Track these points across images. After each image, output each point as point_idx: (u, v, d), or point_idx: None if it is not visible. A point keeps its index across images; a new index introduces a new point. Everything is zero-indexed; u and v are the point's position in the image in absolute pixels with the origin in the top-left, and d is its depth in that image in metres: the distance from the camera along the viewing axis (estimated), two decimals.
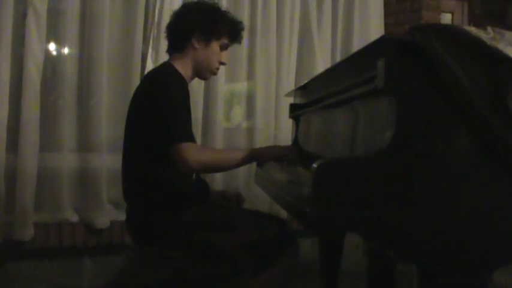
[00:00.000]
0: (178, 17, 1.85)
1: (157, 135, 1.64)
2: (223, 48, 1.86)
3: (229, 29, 1.85)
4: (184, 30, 1.81)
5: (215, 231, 1.65)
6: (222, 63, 1.89)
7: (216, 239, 1.63)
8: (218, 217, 1.72)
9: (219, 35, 1.83)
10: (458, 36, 1.19)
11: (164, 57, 1.93)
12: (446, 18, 3.51)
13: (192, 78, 1.89)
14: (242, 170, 2.66)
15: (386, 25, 3.27)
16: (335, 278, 2.22)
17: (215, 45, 1.83)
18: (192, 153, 1.61)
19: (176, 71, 1.80)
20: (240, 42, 1.94)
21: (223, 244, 1.61)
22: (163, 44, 1.90)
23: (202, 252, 1.65)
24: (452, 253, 1.14)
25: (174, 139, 1.62)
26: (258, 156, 1.76)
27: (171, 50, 1.87)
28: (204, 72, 1.87)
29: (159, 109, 1.65)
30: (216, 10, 1.85)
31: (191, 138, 1.69)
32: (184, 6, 1.89)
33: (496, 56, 1.18)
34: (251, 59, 2.87)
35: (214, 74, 1.90)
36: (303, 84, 2.04)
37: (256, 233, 1.65)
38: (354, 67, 1.48)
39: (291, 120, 2.38)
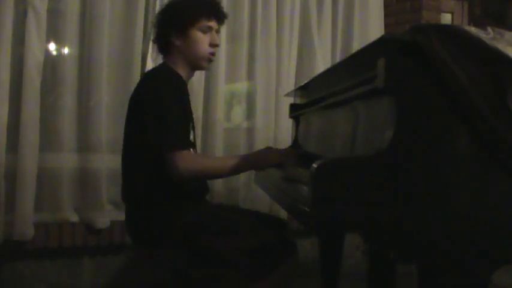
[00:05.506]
0: (155, 26, 1.86)
1: (152, 139, 1.64)
2: (206, 30, 1.79)
3: (201, 11, 1.78)
4: (161, 35, 1.81)
5: (215, 234, 1.64)
6: (214, 45, 1.81)
7: (216, 243, 1.62)
8: (218, 219, 1.70)
9: (192, 22, 1.77)
10: (458, 36, 1.19)
11: None
12: (446, 18, 3.51)
13: (191, 73, 1.87)
14: None
15: (386, 25, 3.28)
16: (335, 278, 2.22)
17: (194, 33, 1.77)
18: (184, 162, 1.59)
19: (172, 70, 1.79)
20: (225, 17, 1.86)
21: (223, 248, 1.60)
22: None
23: (201, 254, 1.64)
24: (452, 253, 1.14)
25: (166, 147, 1.60)
26: (254, 166, 1.73)
27: (162, 55, 1.87)
28: (197, 62, 1.82)
29: (152, 113, 1.64)
30: (178, 1, 1.81)
31: (185, 145, 1.66)
32: (157, 14, 1.88)
33: (496, 56, 1.18)
34: (251, 59, 2.87)
35: (210, 60, 1.84)
36: (303, 84, 2.04)
37: (257, 238, 1.64)
38: (354, 67, 1.48)
39: (291, 120, 2.38)
